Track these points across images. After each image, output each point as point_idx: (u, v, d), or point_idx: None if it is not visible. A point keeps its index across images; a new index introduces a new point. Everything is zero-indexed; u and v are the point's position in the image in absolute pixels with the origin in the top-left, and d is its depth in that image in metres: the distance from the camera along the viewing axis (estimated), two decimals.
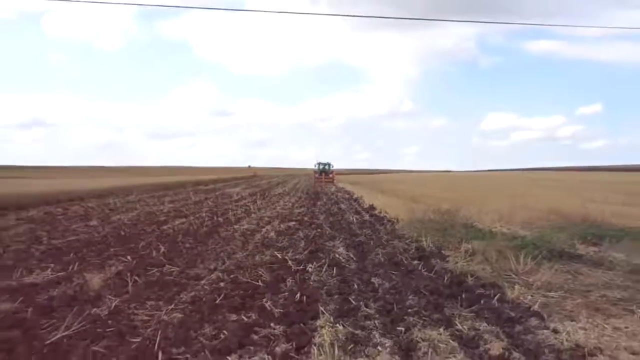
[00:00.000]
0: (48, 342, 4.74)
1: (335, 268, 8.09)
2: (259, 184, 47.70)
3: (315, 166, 53.58)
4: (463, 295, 6.26)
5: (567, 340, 4.73)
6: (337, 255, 9.14)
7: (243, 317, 5.55)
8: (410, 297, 6.39)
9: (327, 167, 52.65)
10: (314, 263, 8.48)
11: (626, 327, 5.20)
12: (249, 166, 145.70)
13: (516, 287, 6.60)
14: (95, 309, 5.84)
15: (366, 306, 5.96)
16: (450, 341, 4.69)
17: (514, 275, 7.65)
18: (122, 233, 12.45)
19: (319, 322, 5.24)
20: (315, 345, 4.56)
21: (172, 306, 5.98)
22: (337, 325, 5.04)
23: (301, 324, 5.24)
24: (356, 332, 4.92)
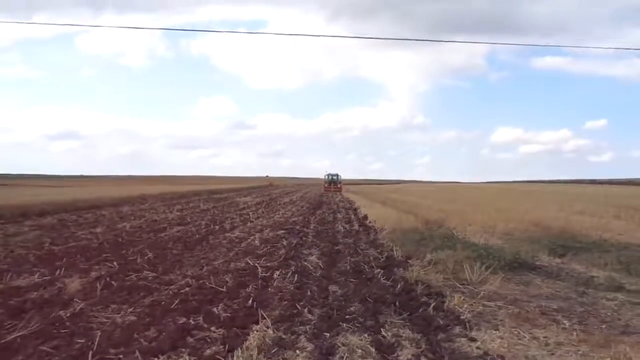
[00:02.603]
0: (3, 341, 4.94)
1: (299, 275, 8.21)
2: (270, 193, 47.98)
3: (325, 176, 55.26)
4: (397, 303, 6.33)
5: (478, 348, 4.79)
6: (306, 263, 9.26)
7: (191, 320, 5.71)
8: (355, 304, 6.48)
9: (335, 177, 54.36)
10: (282, 270, 8.61)
11: (544, 337, 5.23)
12: (267, 176, 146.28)
13: (456, 296, 6.64)
14: (61, 312, 6.03)
15: (309, 312, 6.07)
16: (369, 347, 4.78)
17: (464, 285, 7.68)
18: (120, 240, 12.71)
19: (256, 327, 5.36)
20: (240, 348, 4.68)
21: (131, 309, 6.16)
22: (269, 329, 5.14)
23: (240, 329, 5.37)
24: (284, 336, 5.04)
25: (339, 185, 53.15)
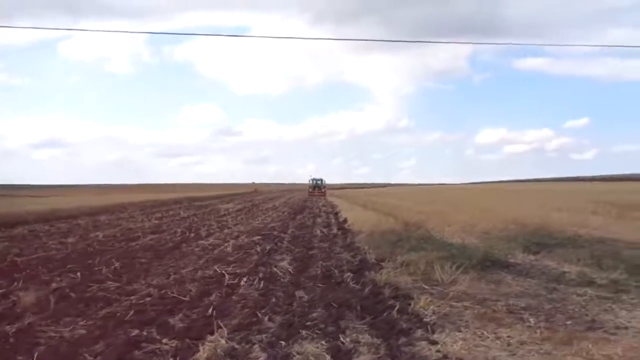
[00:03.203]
0: None
1: (266, 282, 7.97)
2: (253, 200, 47.62)
3: (310, 181, 55.91)
4: (361, 307, 6.13)
5: (438, 351, 4.60)
6: (276, 269, 9.02)
7: (144, 332, 5.44)
8: (319, 309, 6.26)
9: (319, 182, 55.05)
10: (251, 277, 8.36)
11: (508, 337, 5.06)
12: (253, 182, 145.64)
13: (422, 298, 6.45)
14: (7, 326, 5.72)
15: (270, 320, 5.84)
16: (325, 354, 4.57)
17: (434, 286, 7.50)
18: (89, 249, 12.36)
19: (210, 338, 5.11)
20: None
21: (83, 322, 5.86)
22: (222, 340, 4.90)
23: (194, 340, 5.11)
24: (237, 347, 4.80)
25: (323, 190, 53.81)
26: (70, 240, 14.55)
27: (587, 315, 5.88)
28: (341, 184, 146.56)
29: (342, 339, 4.98)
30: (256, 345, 4.84)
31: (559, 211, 21.65)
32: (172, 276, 8.81)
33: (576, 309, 6.15)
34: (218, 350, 4.64)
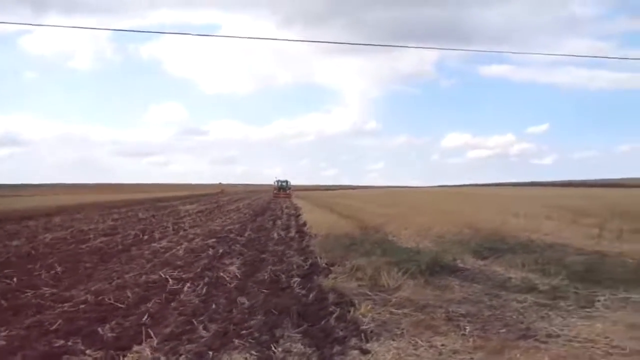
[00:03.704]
0: None
1: (211, 287, 7.78)
2: (218, 201, 47.01)
3: (275, 183, 55.99)
4: (300, 315, 6.02)
5: None
6: (223, 274, 8.82)
7: (69, 343, 5.18)
8: (257, 317, 6.11)
9: (284, 184, 55.15)
10: (195, 282, 8.13)
11: (442, 345, 5.02)
12: (220, 183, 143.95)
13: (363, 305, 6.38)
14: None
15: (205, 328, 5.66)
16: None
17: (379, 292, 7.43)
18: (32, 253, 11.87)
19: (137, 348, 4.90)
20: None
21: (6, 332, 5.55)
22: (146, 351, 4.70)
23: (120, 350, 4.89)
24: (162, 358, 4.60)
25: (288, 192, 53.98)
26: (14, 243, 13.97)
27: (522, 323, 5.89)
28: (309, 186, 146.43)
29: (273, 348, 4.85)
30: (183, 356, 4.66)
31: (515, 216, 22.04)
32: (115, 281, 8.49)
33: (513, 316, 6.17)
34: None
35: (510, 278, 8.78)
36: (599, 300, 7.01)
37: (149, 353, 4.66)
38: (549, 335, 5.37)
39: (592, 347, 4.96)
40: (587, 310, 6.55)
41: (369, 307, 6.27)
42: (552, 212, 24.27)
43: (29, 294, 7.58)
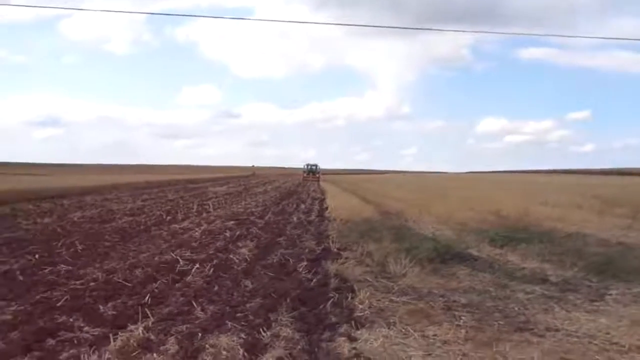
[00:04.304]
0: None
1: (218, 269, 7.88)
2: (247, 183, 47.52)
3: (304, 167, 56.59)
4: (299, 299, 6.03)
5: (354, 348, 4.49)
6: (234, 256, 8.92)
7: (71, 319, 5.34)
8: (257, 300, 6.16)
9: (314, 167, 55.89)
10: (204, 264, 8.25)
11: (434, 335, 4.94)
12: (253, 166, 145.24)
13: (362, 291, 6.34)
14: None
15: (203, 310, 5.73)
16: (238, 348, 4.46)
17: (384, 278, 7.37)
18: (59, 231, 12.27)
19: (132, 327, 5.01)
20: (98, 351, 4.33)
21: (14, 307, 5.76)
22: (139, 330, 4.80)
23: (117, 329, 5.01)
24: (153, 337, 4.69)
25: (317, 175, 54.52)
26: (45, 220, 14.48)
27: (523, 315, 5.75)
28: (340, 170, 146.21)
29: (262, 332, 4.88)
30: (173, 337, 4.74)
31: (543, 204, 21.49)
32: (129, 261, 8.70)
33: (516, 308, 6.02)
34: (131, 341, 4.54)
35: (523, 268, 8.59)
36: (610, 294, 6.78)
37: (140, 332, 4.76)
38: (547, 329, 5.22)
39: (590, 342, 4.79)
40: (596, 304, 6.34)
41: (367, 294, 6.23)
42: (584, 201, 23.51)
43: (46, 270, 7.85)
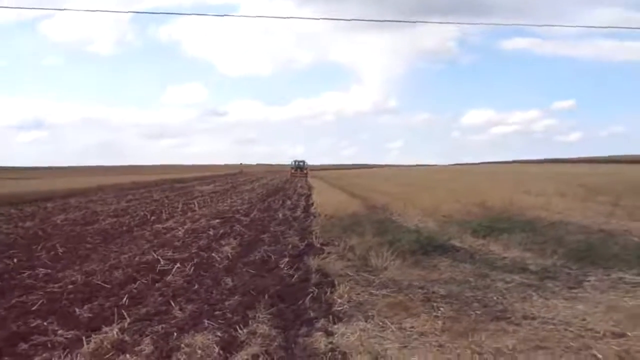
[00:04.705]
0: None
1: (199, 268, 7.82)
2: (234, 181, 47.34)
3: (292, 163, 56.85)
4: (278, 295, 6.00)
5: (330, 342, 4.47)
6: (216, 255, 8.86)
7: (45, 323, 5.25)
8: (235, 297, 6.11)
9: (301, 163, 56.33)
10: (185, 263, 8.17)
11: (411, 327, 4.94)
12: (241, 163, 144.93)
13: (342, 285, 6.32)
14: None
15: (181, 309, 5.68)
16: (214, 346, 4.42)
17: (365, 272, 7.36)
18: (40, 234, 12.11)
19: (106, 328, 4.95)
20: (70, 354, 4.27)
21: None
22: (113, 332, 4.73)
23: (92, 331, 4.94)
24: (127, 339, 4.63)
25: (304, 171, 55.01)
26: (27, 224, 14.28)
27: (501, 304, 5.77)
28: (328, 165, 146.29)
29: (239, 329, 4.84)
30: (148, 337, 4.68)
31: (527, 194, 21.65)
32: (110, 262, 8.60)
33: (494, 297, 6.04)
34: (105, 343, 4.47)
35: (504, 258, 8.64)
36: (588, 281, 6.84)
37: (115, 334, 4.69)
38: (524, 317, 5.25)
39: (566, 329, 4.82)
40: (574, 291, 6.39)
41: (347, 288, 6.21)
42: (568, 189, 23.72)
43: (24, 274, 7.73)
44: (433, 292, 6.27)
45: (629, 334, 4.61)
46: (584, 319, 5.10)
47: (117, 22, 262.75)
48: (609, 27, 72.80)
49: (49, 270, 7.96)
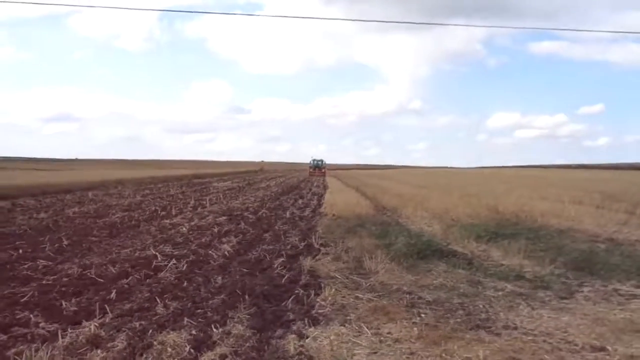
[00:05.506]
0: None
1: (194, 265, 7.88)
2: (253, 178, 47.61)
3: (310, 162, 57.21)
4: (262, 296, 6.00)
5: (301, 346, 4.45)
6: (213, 252, 8.91)
7: (30, 315, 5.36)
8: (221, 296, 6.13)
9: (320, 162, 56.73)
10: (181, 260, 8.24)
11: (388, 333, 4.88)
12: (262, 161, 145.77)
13: (327, 288, 6.29)
14: None
15: (165, 306, 5.72)
16: (185, 345, 4.44)
17: (357, 275, 7.31)
18: (50, 226, 12.37)
19: (85, 323, 5.02)
20: (46, 348, 4.34)
21: None
22: (90, 326, 4.80)
23: (73, 325, 5.02)
24: (103, 334, 4.69)
25: (323, 170, 55.37)
26: (41, 215, 14.60)
27: (487, 312, 5.66)
28: (350, 165, 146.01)
29: (214, 329, 4.85)
30: (124, 334, 4.73)
31: (542, 199, 21.24)
32: (110, 256, 8.73)
33: (480, 305, 5.92)
34: (80, 338, 4.54)
35: (501, 264, 8.46)
36: (582, 292, 6.66)
37: (92, 329, 4.75)
38: (505, 327, 5.13)
39: (544, 341, 4.69)
40: (565, 301, 6.22)
41: (333, 291, 6.18)
42: (585, 196, 23.17)
43: (25, 265, 7.90)
44: (420, 298, 6.19)
45: (609, 348, 4.48)
46: (565, 331, 4.96)
47: (145, 18, 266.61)
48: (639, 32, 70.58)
49: (49, 263, 8.12)
